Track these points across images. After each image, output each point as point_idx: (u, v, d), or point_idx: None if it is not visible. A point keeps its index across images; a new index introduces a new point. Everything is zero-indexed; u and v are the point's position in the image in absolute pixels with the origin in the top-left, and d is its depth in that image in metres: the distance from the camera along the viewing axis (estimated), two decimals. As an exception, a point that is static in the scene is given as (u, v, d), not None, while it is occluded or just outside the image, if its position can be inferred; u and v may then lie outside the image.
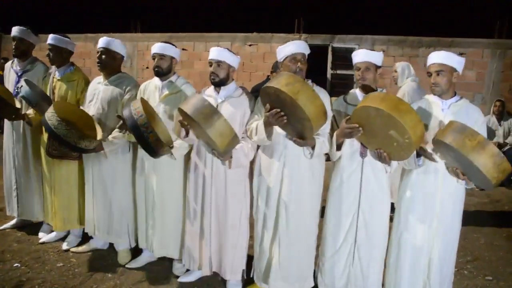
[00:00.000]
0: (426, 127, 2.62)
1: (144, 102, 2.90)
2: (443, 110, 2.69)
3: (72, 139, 2.96)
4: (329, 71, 8.99)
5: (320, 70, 9.00)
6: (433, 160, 2.58)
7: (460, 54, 8.36)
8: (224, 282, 3.26)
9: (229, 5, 11.93)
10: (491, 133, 7.37)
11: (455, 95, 2.73)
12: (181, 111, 2.61)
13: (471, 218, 5.24)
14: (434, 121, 2.68)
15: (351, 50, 8.32)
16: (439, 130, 2.43)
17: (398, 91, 5.05)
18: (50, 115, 2.97)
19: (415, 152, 2.55)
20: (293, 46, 2.80)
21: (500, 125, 7.39)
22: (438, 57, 2.65)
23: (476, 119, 2.66)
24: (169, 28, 9.85)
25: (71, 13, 12.82)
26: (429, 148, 2.58)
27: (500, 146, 7.11)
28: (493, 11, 9.25)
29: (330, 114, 2.85)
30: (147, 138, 2.72)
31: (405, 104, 2.29)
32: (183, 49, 9.25)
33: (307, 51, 2.86)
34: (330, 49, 8.89)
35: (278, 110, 2.50)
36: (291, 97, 2.29)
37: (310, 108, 2.31)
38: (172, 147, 2.99)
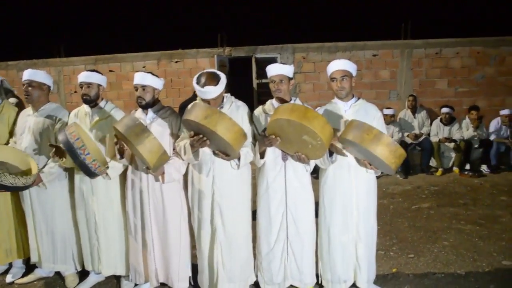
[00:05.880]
0: (334, 130, 2.95)
1: (77, 126, 3.03)
2: (345, 111, 3.08)
3: (7, 181, 2.97)
4: (255, 81, 9.33)
5: (246, 80, 9.34)
6: (343, 154, 2.91)
7: (373, 56, 8.93)
8: (171, 291, 3.40)
9: (153, 24, 12.02)
10: (407, 125, 8.01)
11: (353, 97, 3.12)
12: (115, 130, 2.80)
13: (396, 205, 5.75)
14: (339, 121, 3.05)
15: (273, 60, 8.72)
16: (344, 129, 2.77)
17: None
18: None
19: (328, 152, 2.88)
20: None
21: (415, 117, 8.05)
22: (341, 64, 3.02)
23: (374, 115, 3.08)
24: (94, 50, 9.76)
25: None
26: (339, 145, 2.92)
27: (416, 136, 7.75)
28: (398, 15, 10.02)
29: (248, 127, 3.11)
30: (84, 160, 2.87)
31: (311, 111, 2.61)
32: (110, 71, 9.22)
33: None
34: (253, 60, 9.22)
35: (201, 136, 2.70)
36: (211, 129, 2.52)
37: (229, 135, 2.55)
38: (107, 167, 3.13)
